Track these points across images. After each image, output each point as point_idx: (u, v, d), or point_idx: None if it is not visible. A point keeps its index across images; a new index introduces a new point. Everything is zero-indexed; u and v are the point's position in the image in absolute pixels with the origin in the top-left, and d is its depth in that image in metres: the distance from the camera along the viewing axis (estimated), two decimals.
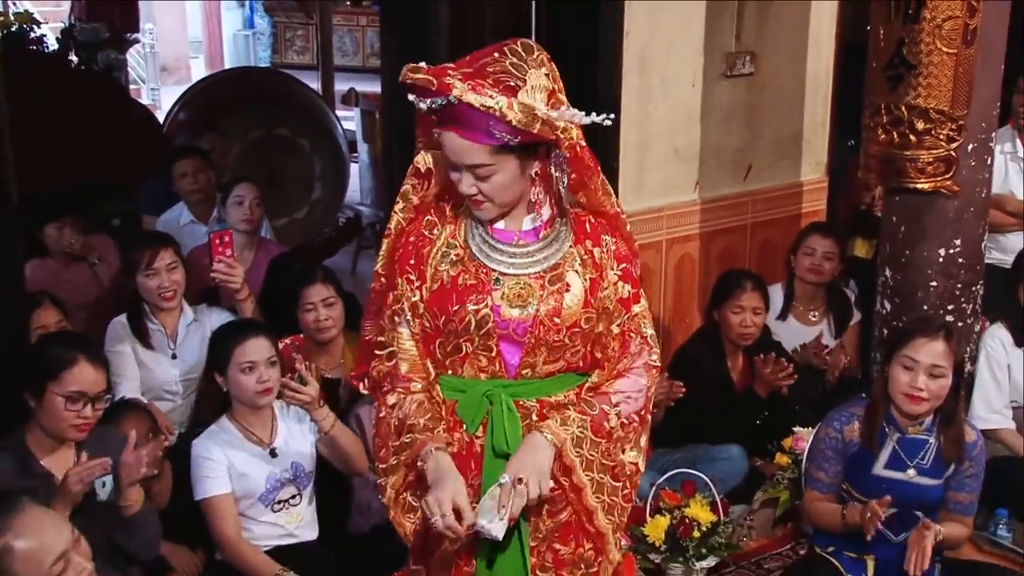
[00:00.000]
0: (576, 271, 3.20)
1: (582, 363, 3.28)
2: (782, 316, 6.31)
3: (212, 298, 5.56)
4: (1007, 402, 5.57)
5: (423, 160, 3.26)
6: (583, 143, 3.13)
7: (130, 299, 5.36)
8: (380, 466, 3.31)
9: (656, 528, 4.94)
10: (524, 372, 3.21)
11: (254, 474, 4.57)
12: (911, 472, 4.61)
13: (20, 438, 4.05)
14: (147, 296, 5.29)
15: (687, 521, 4.98)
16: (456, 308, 3.14)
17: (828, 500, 4.75)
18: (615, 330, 3.28)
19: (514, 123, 2.95)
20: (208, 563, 4.78)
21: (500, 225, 3.21)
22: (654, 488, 5.09)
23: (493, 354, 3.19)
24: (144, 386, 5.22)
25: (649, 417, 3.35)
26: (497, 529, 2.98)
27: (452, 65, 3.01)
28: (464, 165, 3.05)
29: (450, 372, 3.27)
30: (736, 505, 5.49)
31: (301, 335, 4.93)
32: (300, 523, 4.70)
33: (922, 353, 4.50)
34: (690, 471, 5.24)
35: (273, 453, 4.62)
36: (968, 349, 5.41)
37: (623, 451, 3.29)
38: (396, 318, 3.27)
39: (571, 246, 3.22)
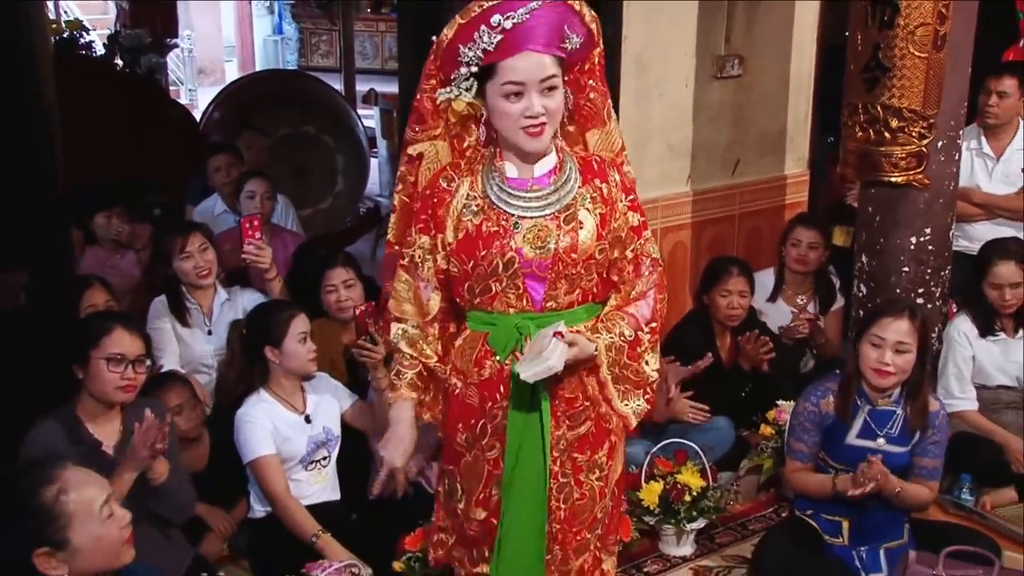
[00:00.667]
0: (587, 208, 3.24)
1: (596, 290, 3.33)
2: (772, 299, 6.32)
3: (242, 280, 5.58)
4: (968, 387, 5.57)
5: (414, 148, 3.35)
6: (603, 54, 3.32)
7: (168, 282, 5.39)
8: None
9: (651, 493, 4.96)
10: (549, 304, 3.25)
11: (296, 438, 4.64)
12: (881, 441, 4.65)
13: (71, 409, 4.08)
14: (185, 278, 5.34)
15: (679, 486, 4.99)
16: (483, 253, 3.18)
17: (808, 469, 4.81)
18: (629, 255, 3.34)
19: (586, 18, 3.15)
20: (242, 523, 4.84)
21: (514, 174, 3.24)
22: (649, 456, 5.10)
23: (520, 291, 3.23)
24: (183, 360, 5.27)
25: (662, 322, 3.44)
26: (525, 367, 3.07)
27: None
28: (537, 81, 3.06)
29: (480, 308, 3.31)
30: (724, 472, 5.48)
31: (373, 303, 4.96)
32: (325, 483, 4.76)
33: (888, 331, 4.56)
34: (682, 440, 5.26)
35: (308, 419, 4.69)
36: (936, 329, 5.43)
37: (646, 363, 3.39)
38: (402, 262, 3.37)
39: (580, 186, 3.26)
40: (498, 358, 3.30)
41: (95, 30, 14.96)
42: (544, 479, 3.33)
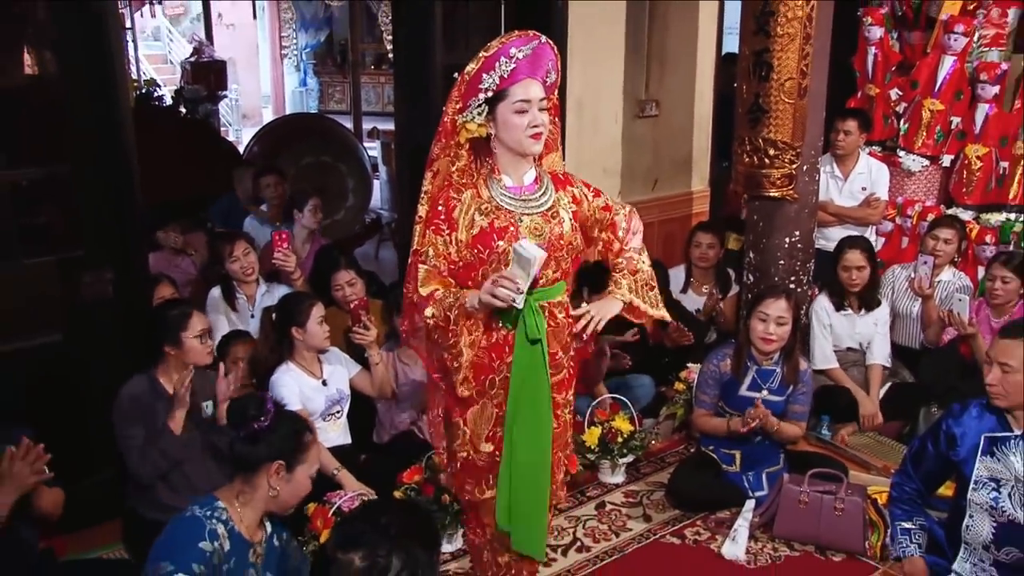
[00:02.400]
0: (563, 208, 3.31)
1: (567, 269, 3.38)
2: (684, 290, 6.31)
3: (276, 277, 5.60)
4: (831, 349, 5.62)
5: (436, 165, 3.32)
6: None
7: (222, 278, 5.40)
8: (452, 364, 3.28)
9: (592, 436, 4.99)
10: (541, 281, 3.26)
11: (316, 397, 4.63)
12: (764, 392, 4.72)
13: (152, 372, 4.12)
14: (233, 275, 5.34)
15: (613, 430, 5.03)
16: (498, 243, 3.19)
17: (709, 415, 4.87)
18: (606, 222, 3.48)
19: (558, 62, 3.28)
20: None
21: (510, 183, 3.27)
22: (590, 408, 5.14)
23: None
24: None
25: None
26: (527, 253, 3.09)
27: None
28: (537, 100, 3.17)
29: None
30: (647, 419, 5.49)
31: (366, 297, 4.99)
32: (340, 431, 4.76)
33: (771, 309, 4.63)
34: (615, 395, 5.29)
35: (324, 383, 4.68)
36: (804, 307, 5.47)
37: (644, 263, 3.56)
38: (419, 259, 3.27)
39: (556, 192, 3.33)
40: (507, 325, 3.30)
41: (165, 86, 15.13)
42: (550, 414, 3.39)
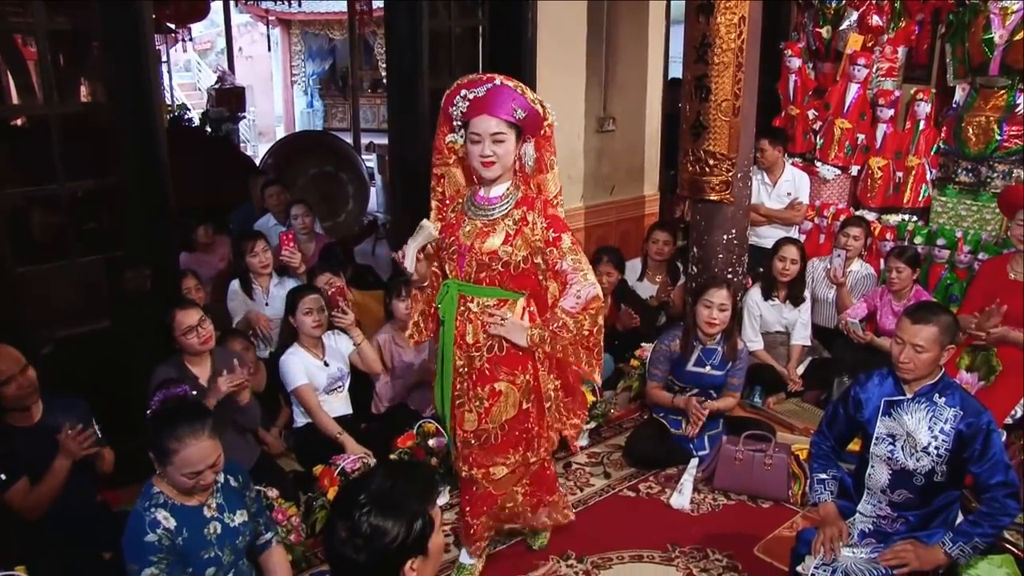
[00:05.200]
0: (506, 225, 3.29)
1: (500, 280, 3.34)
2: (640, 279, 6.31)
3: (286, 271, 5.60)
4: (758, 334, 5.67)
5: (437, 170, 3.50)
6: (552, 127, 3.37)
7: (241, 271, 5.42)
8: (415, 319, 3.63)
9: None
10: (465, 276, 3.36)
11: (318, 375, 4.64)
12: (708, 368, 4.77)
13: (178, 355, 4.12)
14: (252, 268, 5.36)
15: None
16: (448, 236, 3.39)
17: (660, 387, 4.89)
18: (547, 259, 3.31)
19: (529, 100, 3.20)
20: (288, 429, 4.85)
21: (481, 193, 3.36)
22: None
23: (455, 263, 3.38)
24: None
25: (600, 298, 3.30)
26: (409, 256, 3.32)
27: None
28: (488, 135, 3.18)
29: (443, 271, 3.50)
30: (607, 391, 5.49)
31: (342, 286, 4.98)
32: (342, 403, 4.77)
33: (715, 297, 4.68)
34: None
35: (325, 363, 4.69)
36: (740, 295, 5.50)
37: (585, 328, 3.30)
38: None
39: (511, 210, 3.30)
40: (438, 305, 3.48)
41: (194, 109, 15.12)
42: (449, 388, 3.50)
